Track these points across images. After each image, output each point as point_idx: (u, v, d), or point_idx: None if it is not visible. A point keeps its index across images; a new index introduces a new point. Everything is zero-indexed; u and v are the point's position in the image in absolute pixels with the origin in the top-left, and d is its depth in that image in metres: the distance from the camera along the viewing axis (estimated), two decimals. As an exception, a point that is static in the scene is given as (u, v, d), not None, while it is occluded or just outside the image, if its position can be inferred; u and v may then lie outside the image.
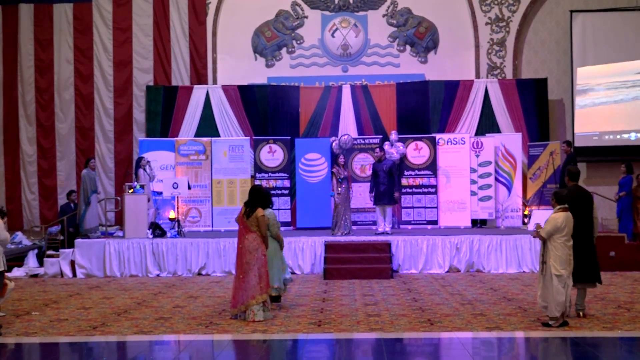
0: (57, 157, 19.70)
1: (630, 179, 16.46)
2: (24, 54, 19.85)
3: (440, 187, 17.85)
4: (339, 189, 15.88)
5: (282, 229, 12.33)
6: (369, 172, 17.46)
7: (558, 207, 9.56)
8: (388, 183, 15.78)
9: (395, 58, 19.90)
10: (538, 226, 9.61)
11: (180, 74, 19.75)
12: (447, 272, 15.21)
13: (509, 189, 17.77)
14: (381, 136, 18.28)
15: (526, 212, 17.57)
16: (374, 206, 16.34)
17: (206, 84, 19.50)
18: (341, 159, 16.18)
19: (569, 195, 9.87)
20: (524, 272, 15.08)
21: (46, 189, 19.62)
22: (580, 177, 18.20)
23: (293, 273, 15.12)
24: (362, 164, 17.89)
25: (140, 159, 17.06)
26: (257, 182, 17.50)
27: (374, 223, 16.92)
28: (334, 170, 16.10)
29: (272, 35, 20.01)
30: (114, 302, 12.08)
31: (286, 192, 18.10)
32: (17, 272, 15.74)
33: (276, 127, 18.94)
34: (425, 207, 17.83)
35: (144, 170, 16.78)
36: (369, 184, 16.50)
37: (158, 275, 15.44)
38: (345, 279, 14.26)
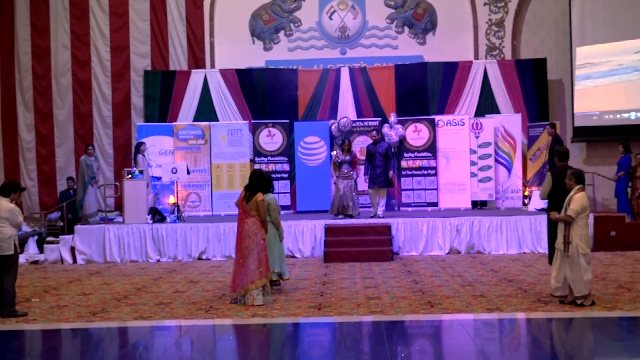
0: (56, 144, 19.62)
1: (629, 158, 16.46)
2: (21, 40, 19.74)
3: (440, 169, 17.82)
4: (336, 172, 15.89)
5: (282, 212, 12.30)
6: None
7: (577, 187, 9.62)
8: (384, 166, 15.75)
9: (393, 40, 19.82)
10: (553, 214, 9.77)
11: (177, 59, 19.68)
12: (448, 254, 15.21)
13: (509, 170, 17.74)
14: (380, 118, 18.22)
15: (526, 193, 17.54)
16: (368, 189, 16.36)
17: (204, 68, 19.43)
18: (346, 144, 16.03)
19: (560, 175, 9.98)
20: (524, 253, 15.09)
21: (45, 175, 19.56)
22: (580, 157, 18.39)
23: (293, 257, 15.18)
24: (362, 146, 17.79)
25: (140, 144, 17.03)
26: (257, 166, 17.47)
27: (374, 206, 16.87)
28: (332, 153, 16.07)
29: (270, 19, 19.92)
30: (114, 288, 12.07)
31: (285, 175, 18.07)
32: (17, 259, 15.74)
33: (275, 111, 18.88)
34: (425, 189, 17.81)
35: (143, 155, 16.75)
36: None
37: (158, 260, 15.44)
38: (345, 262, 14.26)
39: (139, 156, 16.72)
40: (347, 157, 15.85)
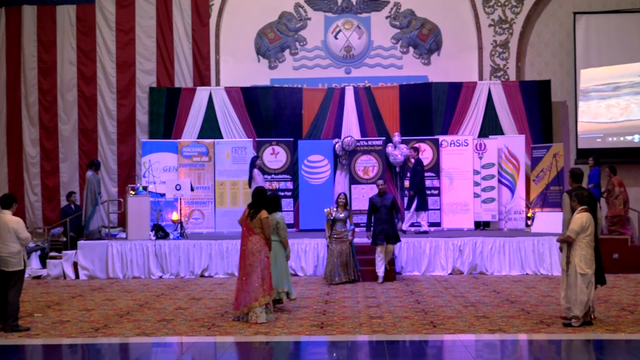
0: (60, 159, 19.67)
1: (598, 171, 16.42)
2: (27, 56, 19.84)
3: (444, 189, 17.82)
4: (329, 232, 14.14)
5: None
6: (372, 174, 17.46)
7: (580, 208, 9.73)
8: (392, 220, 14.13)
9: (398, 60, 19.88)
10: (562, 237, 9.83)
11: (183, 76, 19.73)
12: (450, 274, 15.19)
13: (512, 191, 17.72)
14: (384, 138, 18.24)
15: (529, 214, 17.53)
16: (373, 246, 14.25)
17: (209, 85, 19.48)
18: (341, 199, 14.17)
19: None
20: (527, 274, 15.05)
21: (49, 190, 19.58)
22: (584, 179, 18.33)
23: (295, 275, 15.15)
24: (365, 165, 17.83)
25: (256, 157, 16.98)
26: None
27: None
28: (326, 210, 14.33)
29: (275, 37, 19.99)
30: (116, 304, 12.07)
31: (289, 193, 18.08)
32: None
33: (279, 129, 18.89)
34: (428, 209, 17.78)
35: (259, 170, 16.64)
36: (371, 185, 16.33)
37: (161, 277, 15.44)
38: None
39: (255, 171, 16.54)
40: (342, 215, 14.05)
